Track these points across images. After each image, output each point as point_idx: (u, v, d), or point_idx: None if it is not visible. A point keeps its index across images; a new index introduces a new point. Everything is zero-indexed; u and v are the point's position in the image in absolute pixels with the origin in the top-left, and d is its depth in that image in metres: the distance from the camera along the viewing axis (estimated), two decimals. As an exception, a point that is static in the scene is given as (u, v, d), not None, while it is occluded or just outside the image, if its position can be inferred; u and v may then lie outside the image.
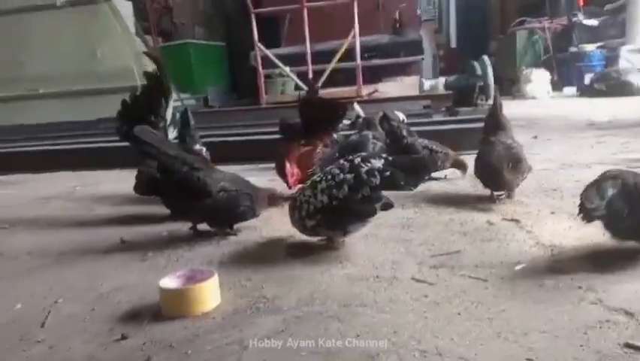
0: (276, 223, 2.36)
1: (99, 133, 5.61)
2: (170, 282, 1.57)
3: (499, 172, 2.30)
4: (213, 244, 2.11)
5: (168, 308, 1.50)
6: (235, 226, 2.25)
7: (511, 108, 6.29)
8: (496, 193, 2.44)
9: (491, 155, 2.37)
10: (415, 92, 9.11)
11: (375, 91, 9.10)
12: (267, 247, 2.05)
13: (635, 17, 8.33)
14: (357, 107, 4.64)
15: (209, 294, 1.51)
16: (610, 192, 1.61)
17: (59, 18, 7.71)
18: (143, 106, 2.49)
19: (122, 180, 3.69)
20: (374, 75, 9.37)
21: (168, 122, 2.58)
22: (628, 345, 1.17)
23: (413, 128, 3.18)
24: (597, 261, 1.65)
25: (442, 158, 2.92)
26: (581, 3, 9.13)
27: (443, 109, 6.02)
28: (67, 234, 2.48)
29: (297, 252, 1.96)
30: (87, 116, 6.82)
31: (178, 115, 2.81)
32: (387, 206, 1.87)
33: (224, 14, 13.10)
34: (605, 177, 1.66)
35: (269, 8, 9.23)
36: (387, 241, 2.00)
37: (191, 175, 2.07)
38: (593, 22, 8.70)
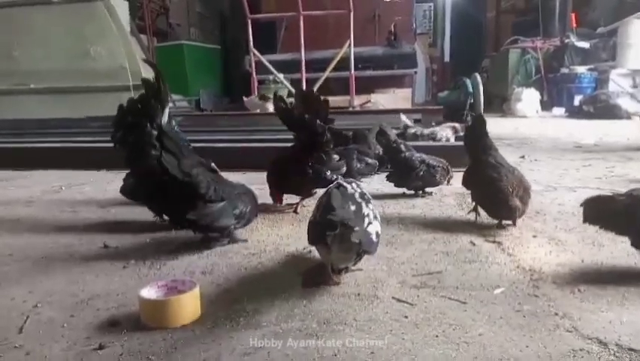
0: (262, 234, 2.36)
1: (88, 132, 5.58)
2: (150, 292, 1.56)
3: (507, 198, 2.22)
4: (197, 253, 2.11)
5: (148, 318, 1.50)
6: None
7: (500, 126, 6.38)
8: (479, 219, 2.44)
9: (499, 180, 2.26)
10: (408, 105, 9.19)
11: (368, 102, 9.17)
12: (252, 258, 2.05)
13: (625, 42, 8.48)
14: (403, 117, 4.70)
15: (190, 306, 1.51)
16: None
17: (54, 14, 7.67)
18: (139, 113, 2.46)
19: (109, 182, 3.67)
20: (367, 86, 9.43)
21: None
22: (599, 375, 1.19)
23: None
24: (576, 288, 1.67)
25: (440, 173, 2.94)
26: (574, 25, 9.28)
27: (433, 123, 6.06)
28: (49, 237, 2.46)
29: (281, 264, 1.96)
30: (77, 113, 6.78)
31: (174, 123, 2.78)
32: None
33: (221, 17, 13.13)
34: None
35: (265, 14, 9.27)
36: (371, 257, 2.00)
37: (196, 180, 2.04)
38: (585, 44, 8.84)
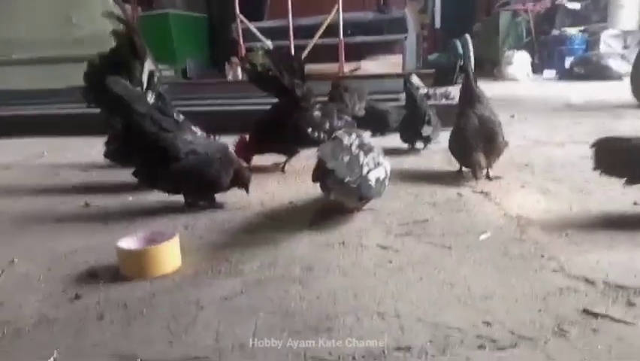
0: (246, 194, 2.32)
1: (71, 100, 5.46)
2: (129, 242, 1.52)
3: (470, 150, 2.25)
4: (178, 211, 2.06)
5: (126, 269, 1.46)
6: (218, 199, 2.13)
7: (491, 89, 6.29)
8: (464, 169, 2.42)
9: (465, 130, 2.31)
10: (399, 70, 9.06)
11: (358, 68, 9.03)
12: (236, 213, 2.01)
13: (616, 2, 8.36)
14: (414, 78, 4.64)
15: (169, 255, 1.47)
16: None
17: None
18: (112, 68, 2.37)
19: (91, 147, 3.59)
20: (357, 52, 9.27)
21: (145, 87, 2.46)
22: (586, 311, 1.17)
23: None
24: (563, 232, 1.65)
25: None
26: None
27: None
28: (30, 198, 2.40)
29: (264, 220, 1.92)
30: (61, 83, 6.62)
31: (156, 80, 2.68)
32: None
33: (207, -15, 12.78)
34: None
35: (251, -21, 9.01)
36: (357, 210, 1.97)
37: (162, 137, 1.98)
38: (576, 5, 8.71)
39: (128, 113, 1.93)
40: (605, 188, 2.10)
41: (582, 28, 8.37)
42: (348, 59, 8.46)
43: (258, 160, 2.76)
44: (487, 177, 2.32)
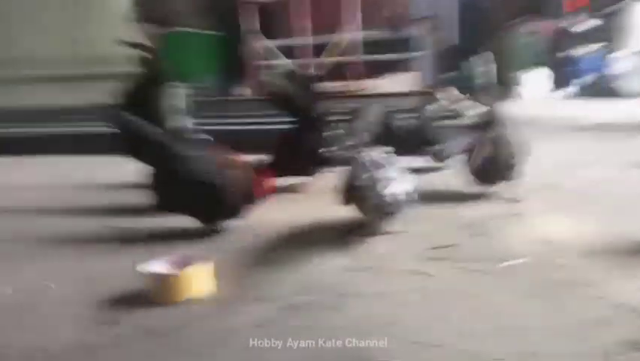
0: (271, 213, 2.30)
1: (92, 118, 5.52)
2: (160, 266, 1.52)
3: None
4: (207, 236, 2.04)
5: (158, 294, 1.45)
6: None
7: (510, 108, 6.27)
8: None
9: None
10: (416, 88, 9.06)
11: (375, 85, 9.06)
12: (263, 237, 1.99)
13: (627, 24, 8.42)
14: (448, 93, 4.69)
15: (202, 280, 1.47)
16: None
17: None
18: (140, 95, 2.39)
19: (114, 166, 3.61)
20: (374, 69, 9.31)
21: (178, 110, 2.48)
22: (631, 343, 1.13)
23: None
24: (597, 257, 1.62)
25: None
26: (578, 7, 9.14)
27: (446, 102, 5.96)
28: (56, 220, 2.41)
29: (291, 243, 1.91)
30: (77, 100, 6.71)
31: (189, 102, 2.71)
32: None
33: (224, 3, 12.95)
34: None
35: (262, -1, 9.11)
36: (385, 233, 1.95)
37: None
38: (589, 26, 8.74)
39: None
40: (636, 212, 2.06)
41: (594, 48, 8.38)
42: (365, 76, 8.50)
43: (280, 181, 2.75)
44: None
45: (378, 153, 2.00)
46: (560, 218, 2.05)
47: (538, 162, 3.10)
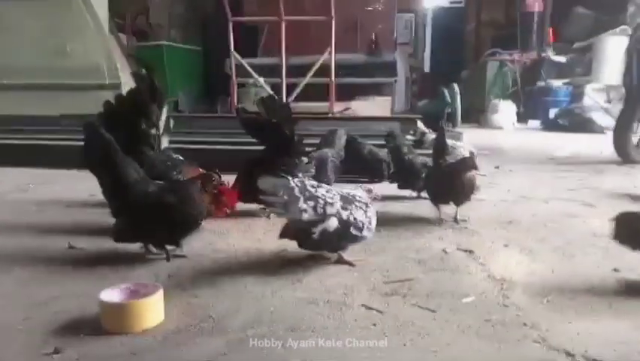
0: (232, 238, 2.32)
1: (61, 130, 5.44)
2: (112, 295, 1.51)
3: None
4: (162, 258, 2.04)
5: (108, 323, 1.44)
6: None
7: (477, 136, 6.43)
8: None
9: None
10: (387, 113, 9.21)
11: (348, 108, 9.17)
12: (221, 262, 2.01)
13: (600, 57, 8.67)
14: (420, 124, 4.75)
15: (152, 310, 1.46)
16: None
17: (29, 9, 7.49)
18: (129, 110, 2.38)
19: (79, 182, 3.57)
20: (347, 93, 9.43)
21: (162, 131, 2.48)
22: (565, 387, 1.18)
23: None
24: (545, 298, 1.67)
25: None
26: (551, 39, 9.45)
27: (411, 132, 6.08)
28: (10, 237, 2.37)
29: (250, 270, 1.92)
30: (51, 111, 6.60)
31: (172, 122, 2.71)
32: None
33: (202, 18, 13.01)
34: None
35: (247, 18, 9.21)
36: (341, 262, 1.98)
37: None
38: (561, 59, 9.01)
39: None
40: (587, 251, 2.15)
41: (567, 80, 8.63)
42: (338, 99, 8.60)
43: (245, 206, 2.76)
44: (455, 220, 2.54)
45: (326, 186, 2.02)
46: (514, 254, 2.12)
47: (500, 194, 3.21)
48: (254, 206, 2.69)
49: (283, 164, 2.63)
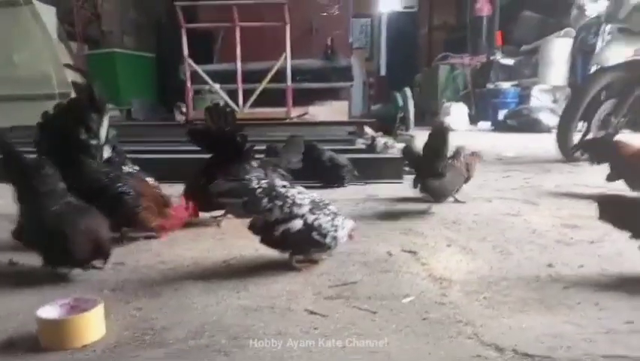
0: (181, 248, 2.31)
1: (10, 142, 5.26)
2: (50, 311, 1.49)
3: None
4: (109, 269, 2.02)
5: (46, 340, 1.42)
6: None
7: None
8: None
9: None
10: (344, 118, 9.31)
11: (306, 113, 9.22)
12: (167, 273, 2.00)
13: (546, 59, 9.03)
14: (368, 129, 4.79)
15: (91, 325, 1.45)
16: None
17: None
18: (70, 120, 2.32)
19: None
20: (305, 98, 9.48)
21: (102, 141, 2.42)
22: (493, 379, 1.24)
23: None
24: (482, 295, 1.74)
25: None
26: (500, 43, 9.81)
27: (366, 135, 6.18)
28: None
29: (196, 280, 1.92)
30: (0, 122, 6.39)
31: (115, 132, 2.66)
32: None
33: (156, 25, 12.82)
34: None
35: (201, 24, 9.14)
36: (288, 267, 2.00)
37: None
38: (510, 61, 9.36)
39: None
40: (524, 248, 2.25)
41: (515, 82, 8.97)
42: (296, 104, 8.63)
43: (195, 214, 2.76)
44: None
45: (293, 187, 2.06)
46: (455, 254, 2.19)
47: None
48: (204, 214, 2.69)
49: (234, 171, 2.65)
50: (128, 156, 3.26)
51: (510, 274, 1.94)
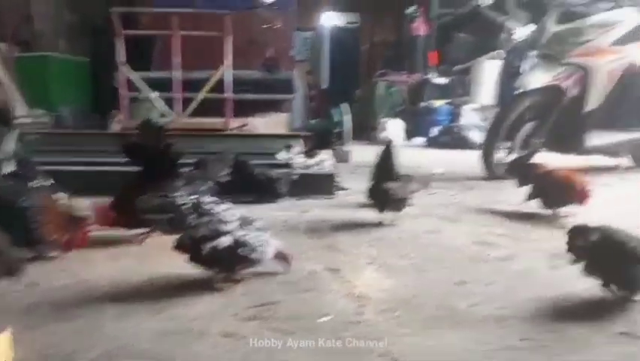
0: (100, 267, 2.26)
1: None
2: (-51, 339, 1.42)
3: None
4: (20, 290, 1.94)
5: (-56, 369, 1.36)
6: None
7: (368, 153, 6.75)
8: None
9: None
10: (285, 130, 9.36)
11: (246, 125, 9.19)
12: (83, 295, 1.95)
13: (477, 79, 9.49)
14: (298, 145, 4.79)
15: (-5, 353, 1.40)
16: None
17: None
18: None
19: None
20: (245, 109, 9.45)
21: (6, 155, 2.32)
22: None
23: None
24: (395, 313, 1.82)
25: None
26: (435, 62, 10.23)
27: (305, 149, 6.24)
28: None
29: (114, 301, 1.88)
30: None
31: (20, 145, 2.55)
32: None
33: (92, 29, 12.41)
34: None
35: (139, 31, 8.93)
36: (210, 288, 2.00)
37: None
38: (443, 80, 9.77)
39: None
40: (441, 265, 2.36)
41: (448, 100, 9.36)
42: (236, 114, 8.58)
43: (119, 232, 2.70)
44: None
45: (221, 203, 2.10)
46: (375, 271, 2.27)
47: (374, 212, 3.38)
48: (127, 232, 2.64)
49: (162, 187, 2.63)
50: (50, 168, 3.16)
51: (424, 292, 2.03)
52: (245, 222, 2.04)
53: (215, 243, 1.94)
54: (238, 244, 1.97)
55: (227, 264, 2.02)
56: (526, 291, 2.04)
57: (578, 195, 2.99)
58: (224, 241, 1.95)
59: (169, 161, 2.64)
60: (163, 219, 1.96)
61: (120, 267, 2.27)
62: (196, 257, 1.99)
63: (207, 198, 2.08)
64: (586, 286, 1.96)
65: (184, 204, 1.98)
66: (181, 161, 2.76)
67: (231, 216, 2.03)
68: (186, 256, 1.99)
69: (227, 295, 1.96)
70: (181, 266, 2.07)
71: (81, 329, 1.66)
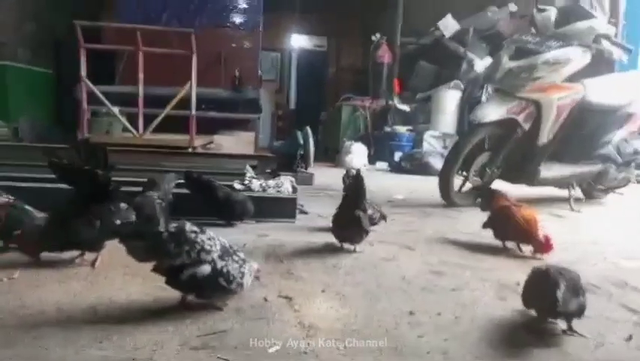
0: (45, 291, 2.20)
1: None
2: None
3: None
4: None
5: None
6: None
7: (329, 176, 6.83)
8: None
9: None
10: (251, 149, 9.36)
11: (211, 142, 9.14)
12: (26, 320, 1.89)
13: (437, 107, 9.77)
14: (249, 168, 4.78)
15: None
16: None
17: None
18: None
19: None
20: (210, 127, 9.42)
21: None
22: None
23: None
24: (342, 343, 1.83)
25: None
26: (398, 89, 10.48)
27: (268, 171, 6.26)
28: None
29: (58, 327, 1.84)
30: None
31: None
32: None
33: (56, 40, 12.17)
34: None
35: (102, 45, 8.83)
36: (160, 315, 1.98)
37: None
38: (406, 107, 10.01)
39: None
40: (392, 294, 2.40)
41: (410, 127, 9.59)
42: (201, 132, 8.54)
43: (67, 255, 2.62)
44: None
45: (203, 232, 2.06)
46: (327, 300, 2.29)
47: (331, 237, 3.41)
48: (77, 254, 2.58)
49: (97, 211, 2.54)
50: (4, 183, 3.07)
51: (373, 322, 2.06)
52: (227, 252, 2.06)
53: (195, 270, 1.96)
54: (219, 273, 2.00)
55: (203, 291, 2.04)
56: (471, 322, 2.10)
57: (542, 247, 3.03)
58: (205, 269, 1.97)
59: (100, 185, 2.51)
60: (139, 246, 1.92)
61: (67, 291, 2.21)
62: (173, 282, 2.00)
63: (190, 227, 2.06)
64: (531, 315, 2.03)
65: (164, 232, 1.96)
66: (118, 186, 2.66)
67: (213, 245, 2.03)
68: (164, 279, 2.00)
69: (176, 323, 1.94)
70: (130, 292, 2.06)
71: (22, 356, 1.61)
